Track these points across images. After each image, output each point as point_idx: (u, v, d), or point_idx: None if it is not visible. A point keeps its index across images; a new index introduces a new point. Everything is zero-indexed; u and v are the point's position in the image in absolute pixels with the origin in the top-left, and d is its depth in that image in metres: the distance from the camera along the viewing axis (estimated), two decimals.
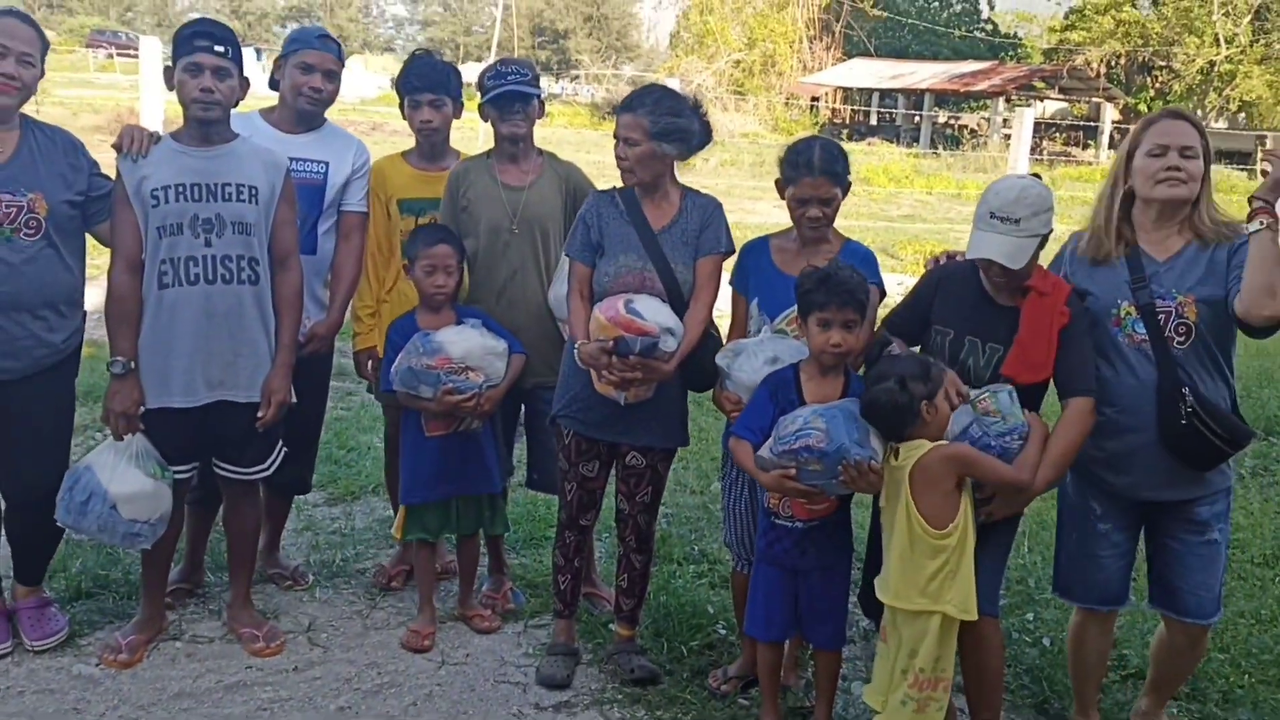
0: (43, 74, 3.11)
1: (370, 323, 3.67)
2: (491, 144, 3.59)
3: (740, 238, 3.16)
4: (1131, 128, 2.90)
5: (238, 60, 3.10)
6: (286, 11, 68.01)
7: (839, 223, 3.07)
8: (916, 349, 2.92)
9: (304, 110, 3.55)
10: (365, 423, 5.59)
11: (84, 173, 3.16)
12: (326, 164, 3.56)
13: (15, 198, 2.99)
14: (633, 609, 3.35)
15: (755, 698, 3.14)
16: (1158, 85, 35.42)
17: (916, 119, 35.31)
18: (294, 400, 3.27)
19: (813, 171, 2.92)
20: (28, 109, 3.12)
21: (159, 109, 7.84)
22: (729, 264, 3.17)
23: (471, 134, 13.23)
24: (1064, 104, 36.61)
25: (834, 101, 37.25)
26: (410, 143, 3.74)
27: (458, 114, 3.70)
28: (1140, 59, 35.43)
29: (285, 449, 3.36)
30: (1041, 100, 34.26)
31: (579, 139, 22.36)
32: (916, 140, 32.56)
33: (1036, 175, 2.80)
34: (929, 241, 13.19)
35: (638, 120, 3.00)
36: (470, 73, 5.18)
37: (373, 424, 5.49)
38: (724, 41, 36.24)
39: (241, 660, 3.26)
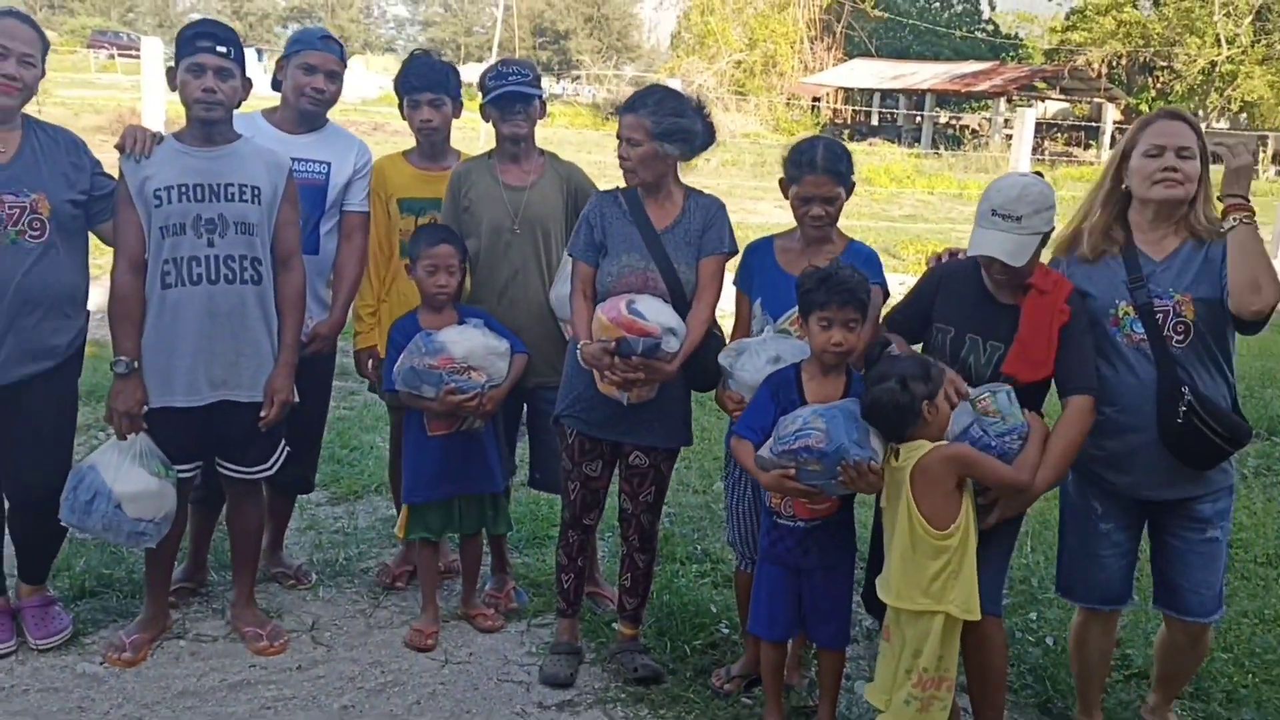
0: (43, 74, 3.12)
1: (371, 321, 3.68)
2: (493, 144, 3.60)
3: (741, 238, 3.17)
4: (1128, 127, 2.90)
5: (240, 61, 3.10)
6: (288, 12, 68.03)
7: (841, 222, 3.08)
8: (918, 347, 2.92)
9: (306, 111, 3.55)
10: (368, 422, 5.60)
11: (86, 172, 3.16)
12: (329, 164, 3.57)
13: (18, 198, 3.00)
14: (636, 608, 3.35)
15: (758, 697, 3.14)
16: (1159, 85, 35.41)
17: (918, 119, 35.30)
18: (296, 400, 3.27)
19: (816, 170, 2.92)
20: (29, 109, 3.13)
21: (160, 109, 7.85)
22: (732, 264, 3.17)
23: (473, 134, 13.24)
24: (1065, 104, 36.61)
25: (835, 102, 37.26)
26: (411, 143, 3.74)
27: (457, 113, 3.70)
28: (1141, 59, 35.43)
29: (288, 448, 3.37)
30: (1043, 100, 34.27)
31: (580, 139, 22.40)
32: (918, 140, 32.56)
33: (1039, 174, 2.80)
34: (931, 241, 13.18)
35: (640, 120, 3.00)
36: (471, 73, 5.17)
37: (375, 423, 5.50)
38: (725, 42, 36.24)
39: (245, 659, 3.27)
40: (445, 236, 3.35)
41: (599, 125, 26.17)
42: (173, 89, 3.12)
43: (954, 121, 37.19)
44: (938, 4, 42.91)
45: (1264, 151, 31.16)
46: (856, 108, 36.47)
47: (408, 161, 3.70)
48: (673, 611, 3.58)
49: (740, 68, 36.14)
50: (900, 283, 3.35)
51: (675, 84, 7.41)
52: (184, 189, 3.05)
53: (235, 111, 3.17)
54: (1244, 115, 34.69)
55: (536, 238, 3.49)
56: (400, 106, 3.66)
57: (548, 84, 39.96)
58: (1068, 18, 38.82)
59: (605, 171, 3.61)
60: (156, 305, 3.08)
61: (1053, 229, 2.72)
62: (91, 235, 3.23)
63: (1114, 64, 35.89)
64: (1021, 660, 3.43)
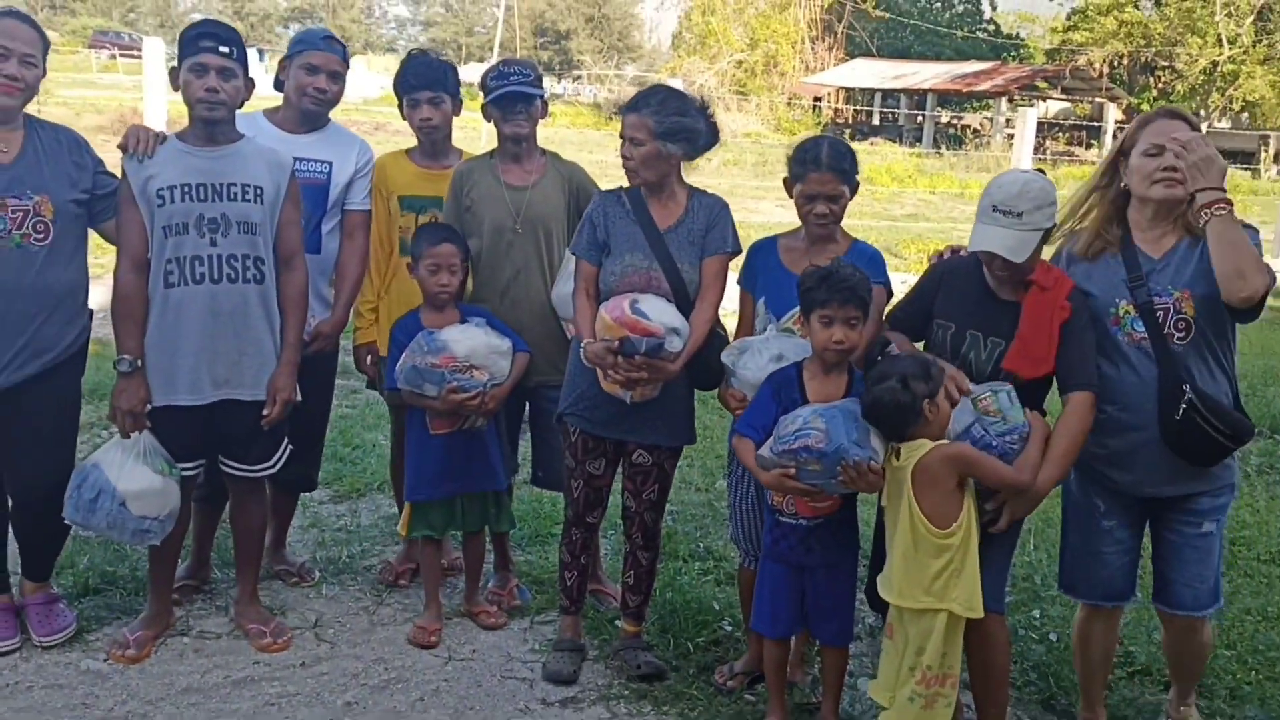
0: (44, 74, 3.12)
1: (370, 317, 3.69)
2: (494, 144, 3.60)
3: (743, 237, 3.17)
4: (1127, 126, 2.90)
5: (243, 61, 3.11)
6: (289, 13, 68.08)
7: (842, 222, 3.08)
8: (920, 345, 2.92)
9: (308, 111, 3.56)
10: (370, 420, 5.60)
11: (89, 171, 3.17)
12: (330, 164, 3.57)
13: (21, 201, 3.01)
14: (639, 605, 3.36)
15: (761, 694, 3.14)
16: (1160, 85, 35.36)
17: (919, 119, 35.27)
18: (299, 398, 3.28)
19: (820, 168, 2.92)
20: (30, 109, 3.14)
21: (162, 109, 7.87)
22: (735, 263, 3.17)
23: (474, 133, 13.24)
24: (1067, 104, 36.59)
25: (836, 101, 37.24)
26: (413, 142, 3.75)
27: (457, 111, 3.71)
28: (1143, 59, 35.37)
29: (291, 446, 3.37)
30: (1044, 100, 34.25)
31: (581, 139, 22.42)
32: (919, 140, 32.54)
33: (1040, 171, 2.80)
34: (932, 240, 13.18)
35: (643, 120, 3.01)
36: (473, 73, 5.19)
37: (377, 421, 5.50)
38: (726, 42, 36.23)
39: (249, 656, 3.27)
40: (447, 235, 3.35)
41: (600, 125, 26.20)
42: (175, 89, 3.13)
43: (955, 121, 37.17)
44: (939, 4, 42.88)
45: (1265, 151, 31.16)
46: (858, 107, 36.45)
47: (410, 159, 3.71)
48: (676, 609, 3.58)
49: (741, 68, 36.13)
50: (902, 282, 3.34)
51: (677, 84, 7.42)
52: (187, 189, 3.06)
53: (237, 111, 3.18)
54: (1245, 115, 34.66)
55: (538, 237, 3.49)
56: (400, 107, 3.67)
57: (549, 84, 39.92)
58: (1069, 18, 38.76)
59: (607, 171, 3.62)
60: (160, 304, 3.09)
61: (1054, 225, 2.72)
62: (92, 234, 3.24)
63: (1115, 64, 35.83)
64: (1024, 657, 3.43)
